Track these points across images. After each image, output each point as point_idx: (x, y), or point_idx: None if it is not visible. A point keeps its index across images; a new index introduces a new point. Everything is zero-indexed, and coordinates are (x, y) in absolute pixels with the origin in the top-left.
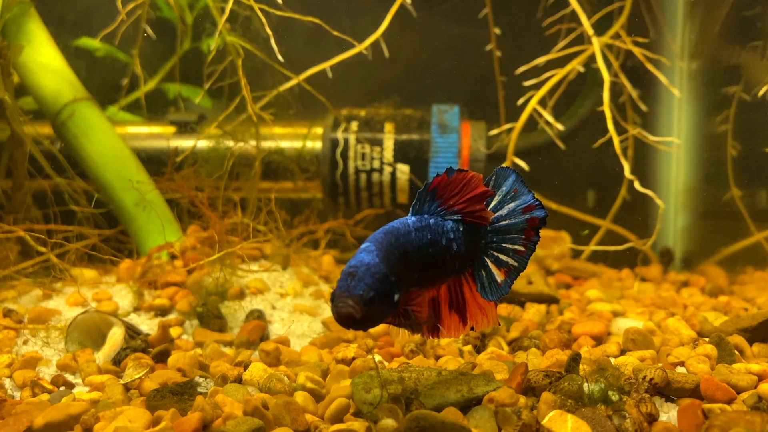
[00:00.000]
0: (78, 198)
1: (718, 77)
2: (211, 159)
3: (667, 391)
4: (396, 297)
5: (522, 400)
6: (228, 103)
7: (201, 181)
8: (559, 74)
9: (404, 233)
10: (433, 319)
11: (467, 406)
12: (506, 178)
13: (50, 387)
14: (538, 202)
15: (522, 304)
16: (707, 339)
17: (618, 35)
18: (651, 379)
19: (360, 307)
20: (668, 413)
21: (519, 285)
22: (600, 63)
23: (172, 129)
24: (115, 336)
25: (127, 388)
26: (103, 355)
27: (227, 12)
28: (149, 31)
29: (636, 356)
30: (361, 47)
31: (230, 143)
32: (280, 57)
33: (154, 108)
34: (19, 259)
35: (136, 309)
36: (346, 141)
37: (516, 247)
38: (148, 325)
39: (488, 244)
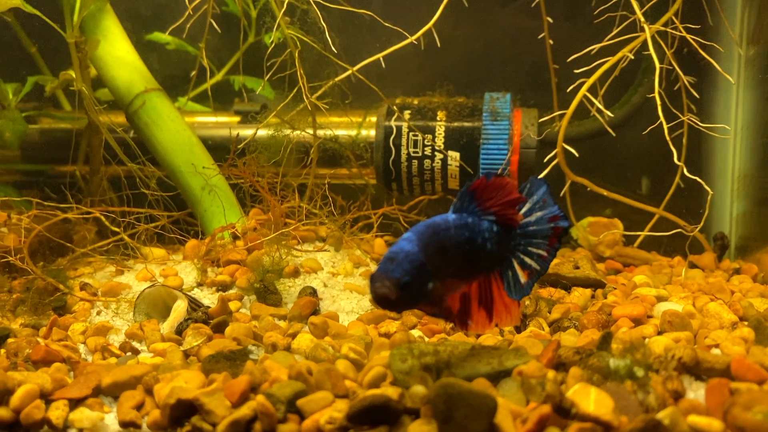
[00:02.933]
0: (149, 182)
1: None
2: (271, 146)
3: (697, 370)
4: (430, 285)
5: (551, 374)
6: (288, 93)
7: (262, 167)
8: (610, 61)
9: (444, 228)
10: (463, 312)
11: (497, 378)
12: (538, 189)
13: (118, 352)
14: (562, 214)
15: (568, 289)
16: (746, 323)
17: (671, 22)
18: (680, 358)
19: (395, 289)
20: (696, 392)
21: (565, 270)
22: (651, 50)
23: (236, 118)
24: (179, 308)
25: (186, 354)
26: (167, 326)
27: (285, 5)
28: (215, 25)
29: (671, 337)
30: (413, 38)
31: (288, 131)
32: (334, 49)
33: (221, 98)
34: (96, 239)
35: (200, 284)
36: (398, 129)
37: (540, 251)
38: (209, 299)
39: (516, 247)
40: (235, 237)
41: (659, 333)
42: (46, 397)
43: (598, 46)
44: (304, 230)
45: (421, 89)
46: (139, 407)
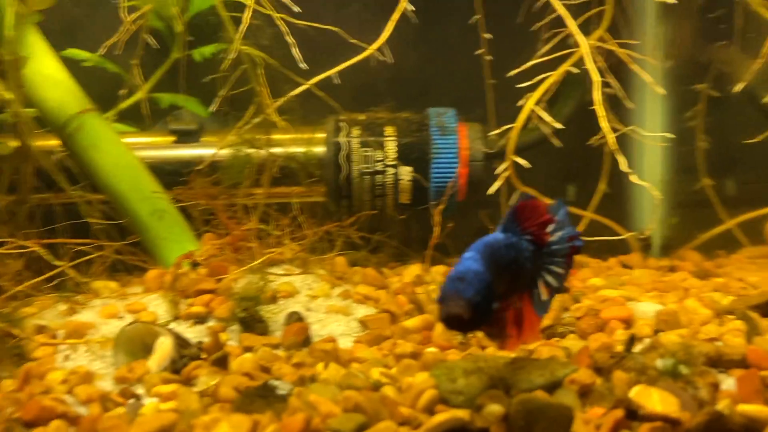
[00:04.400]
0: (91, 211)
1: (689, 75)
2: (231, 166)
3: (718, 363)
4: (495, 305)
5: (598, 380)
6: (225, 111)
7: (213, 189)
8: (553, 75)
9: (497, 248)
10: (503, 330)
11: (552, 388)
12: (558, 210)
13: (121, 400)
14: (578, 234)
15: None
16: (732, 316)
17: (602, 38)
18: (707, 353)
19: (468, 309)
20: (725, 382)
21: None
22: (589, 65)
23: (171, 138)
24: (164, 345)
25: (201, 395)
26: (154, 365)
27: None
28: (151, 41)
29: (675, 335)
30: (366, 53)
31: (247, 150)
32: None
33: (145, 118)
34: (28, 275)
35: (176, 318)
36: (349, 145)
37: (559, 270)
38: (190, 333)
39: (541, 266)
40: (195, 264)
41: (656, 332)
42: None
43: (534, 62)
44: (268, 253)
45: (361, 106)
46: None
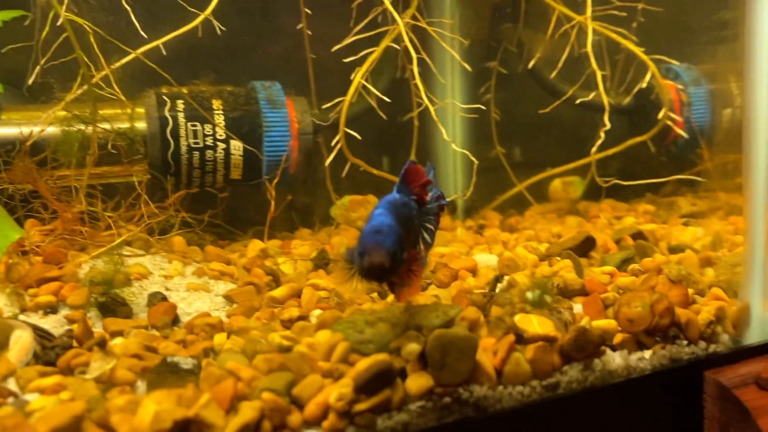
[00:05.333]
0: None
1: (483, 54)
2: (60, 144)
3: (565, 293)
4: (404, 255)
5: (481, 316)
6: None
7: (33, 171)
8: (376, 51)
9: (398, 205)
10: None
11: (448, 325)
12: (428, 172)
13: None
14: (442, 193)
15: None
16: (558, 258)
17: (414, 17)
18: (557, 285)
19: (389, 257)
20: (574, 307)
21: None
22: (407, 41)
23: None
24: (22, 339)
25: (96, 381)
26: (14, 359)
27: None
28: None
29: (521, 275)
30: (191, 25)
31: (78, 126)
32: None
33: None
34: None
35: (23, 310)
36: (175, 119)
37: (431, 227)
38: (43, 324)
39: (420, 223)
40: (23, 253)
41: (502, 275)
42: None
43: (352, 38)
44: (106, 235)
45: (180, 79)
46: None
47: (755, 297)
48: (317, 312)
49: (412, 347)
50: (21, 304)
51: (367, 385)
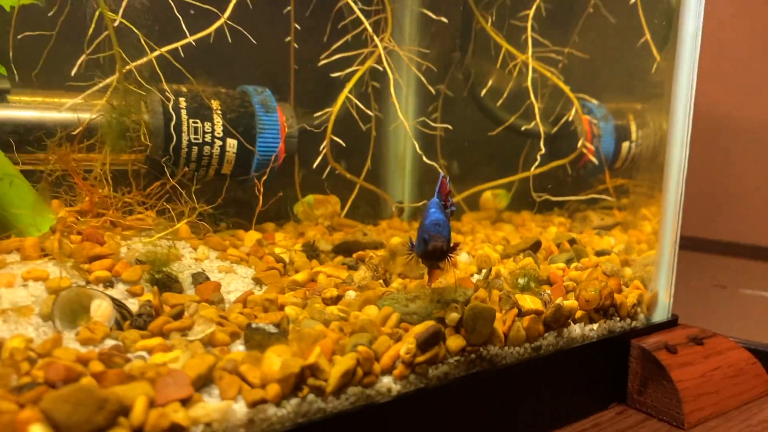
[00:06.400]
0: None
1: (434, 77)
2: (105, 131)
3: (539, 281)
4: (452, 244)
5: (487, 296)
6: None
7: (64, 154)
8: (361, 70)
9: (440, 207)
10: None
11: (466, 303)
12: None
13: (120, 359)
14: (453, 201)
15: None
16: (521, 255)
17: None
18: (535, 275)
19: (446, 242)
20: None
21: (360, 238)
22: (385, 65)
23: None
24: (102, 307)
25: (201, 342)
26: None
27: None
28: None
29: (502, 267)
30: (206, 31)
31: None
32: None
33: None
34: None
35: (87, 283)
36: (178, 115)
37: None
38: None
39: None
40: (53, 231)
41: (481, 269)
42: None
43: (333, 57)
44: (133, 220)
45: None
46: (240, 390)
47: (661, 288)
48: (351, 293)
49: (455, 315)
50: (85, 277)
51: (425, 343)
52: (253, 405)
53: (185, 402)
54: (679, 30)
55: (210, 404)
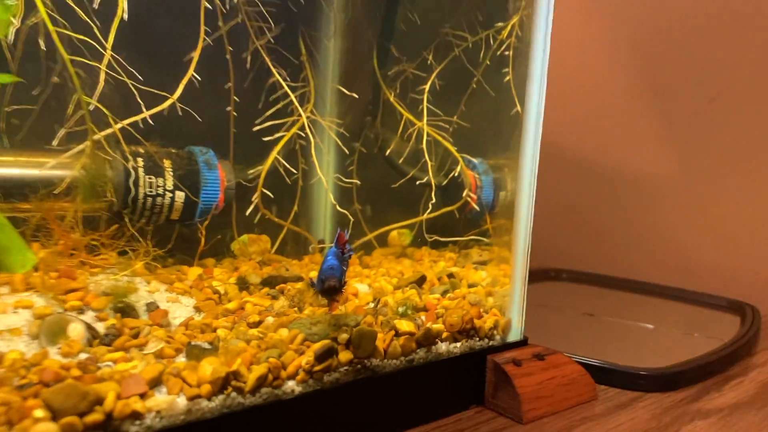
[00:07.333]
0: None
1: (354, 131)
2: (83, 184)
3: (417, 309)
4: (344, 282)
5: (374, 321)
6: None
7: (44, 203)
8: (287, 135)
9: (336, 255)
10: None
11: (357, 326)
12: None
13: (93, 367)
14: (350, 248)
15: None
16: (408, 287)
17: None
18: (414, 305)
19: (339, 283)
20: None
21: (284, 272)
22: (308, 130)
23: None
24: (77, 330)
25: (155, 356)
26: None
27: None
28: None
29: (389, 298)
30: (161, 107)
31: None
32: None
33: None
34: None
35: (65, 310)
36: (136, 171)
37: (345, 267)
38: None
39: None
40: (36, 269)
41: (378, 299)
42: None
43: (265, 124)
44: (98, 260)
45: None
46: (182, 389)
47: (514, 315)
48: (270, 318)
49: (344, 336)
50: (61, 306)
51: (321, 357)
52: (191, 399)
53: (143, 396)
54: (528, 79)
55: (160, 398)
